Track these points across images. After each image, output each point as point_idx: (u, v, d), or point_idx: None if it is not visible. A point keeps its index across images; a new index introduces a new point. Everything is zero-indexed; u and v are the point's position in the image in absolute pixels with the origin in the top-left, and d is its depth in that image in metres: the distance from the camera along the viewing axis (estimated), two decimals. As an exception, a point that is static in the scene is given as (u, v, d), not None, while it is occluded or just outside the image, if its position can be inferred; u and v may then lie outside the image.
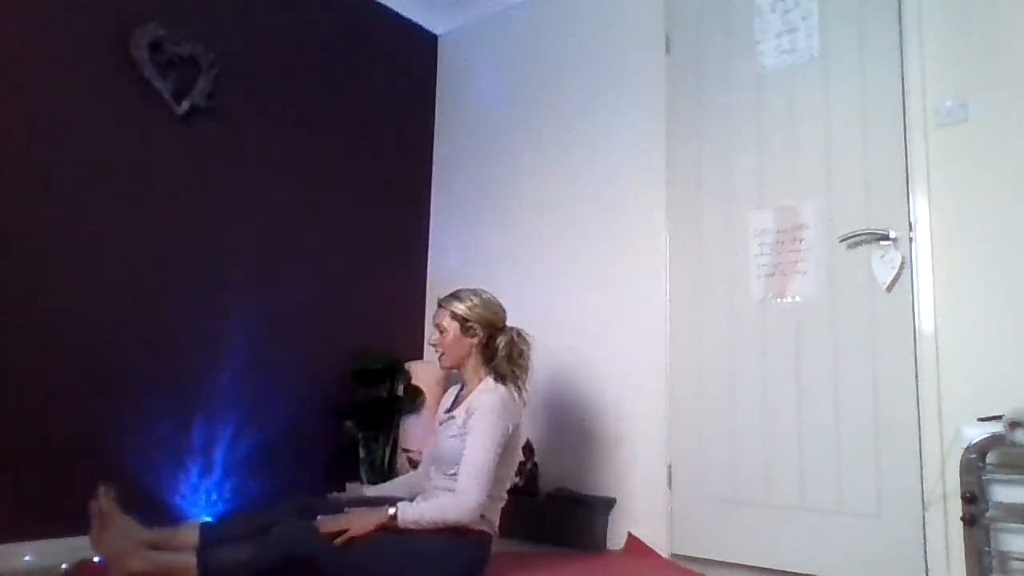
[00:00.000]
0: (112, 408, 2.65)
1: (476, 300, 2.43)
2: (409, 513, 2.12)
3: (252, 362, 3.05)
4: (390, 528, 2.10)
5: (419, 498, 2.25)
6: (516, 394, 2.38)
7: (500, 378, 2.37)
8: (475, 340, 2.41)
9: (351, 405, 3.24)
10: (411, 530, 2.11)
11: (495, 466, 2.20)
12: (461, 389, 2.50)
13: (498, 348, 2.41)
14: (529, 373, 2.44)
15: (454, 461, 2.23)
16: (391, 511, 2.11)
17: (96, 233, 2.69)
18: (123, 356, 2.70)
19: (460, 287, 2.51)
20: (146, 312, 2.78)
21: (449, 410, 2.44)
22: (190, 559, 1.94)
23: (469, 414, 2.27)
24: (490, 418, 2.23)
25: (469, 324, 2.40)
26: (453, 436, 2.29)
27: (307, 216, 3.35)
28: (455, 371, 2.51)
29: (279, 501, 2.34)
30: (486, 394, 2.31)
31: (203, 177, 3.00)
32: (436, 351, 2.46)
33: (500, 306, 2.48)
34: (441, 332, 2.42)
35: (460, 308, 2.41)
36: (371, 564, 2.06)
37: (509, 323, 2.49)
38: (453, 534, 2.15)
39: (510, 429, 2.28)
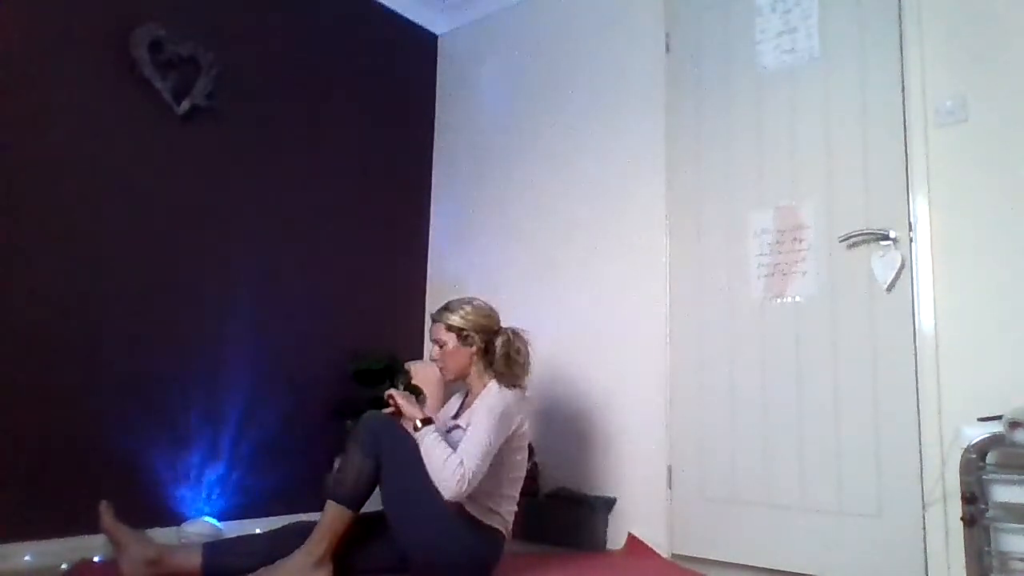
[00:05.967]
0: (112, 408, 2.65)
1: (468, 308, 2.42)
2: (427, 438, 2.16)
3: (252, 362, 3.05)
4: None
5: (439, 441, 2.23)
6: (521, 396, 2.38)
7: (504, 382, 2.36)
8: (473, 348, 2.40)
9: (351, 405, 3.23)
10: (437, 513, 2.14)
11: (493, 453, 2.18)
12: (465, 396, 2.50)
13: (496, 350, 2.40)
14: (528, 370, 2.43)
15: None
16: (420, 426, 2.19)
17: (95, 233, 2.68)
18: (123, 355, 2.70)
19: (450, 298, 2.51)
20: (146, 312, 2.78)
21: (455, 417, 2.44)
22: None
23: (473, 413, 2.28)
24: (496, 410, 2.23)
25: (465, 333, 2.40)
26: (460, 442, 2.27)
27: (307, 216, 3.35)
28: (459, 382, 2.50)
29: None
30: (490, 396, 2.31)
31: (203, 177, 3.00)
32: (438, 365, 2.45)
33: (492, 309, 2.48)
34: (441, 346, 2.42)
35: (454, 319, 2.40)
36: (403, 530, 2.17)
37: (509, 323, 2.48)
38: (468, 526, 2.17)
39: (514, 425, 2.27)
